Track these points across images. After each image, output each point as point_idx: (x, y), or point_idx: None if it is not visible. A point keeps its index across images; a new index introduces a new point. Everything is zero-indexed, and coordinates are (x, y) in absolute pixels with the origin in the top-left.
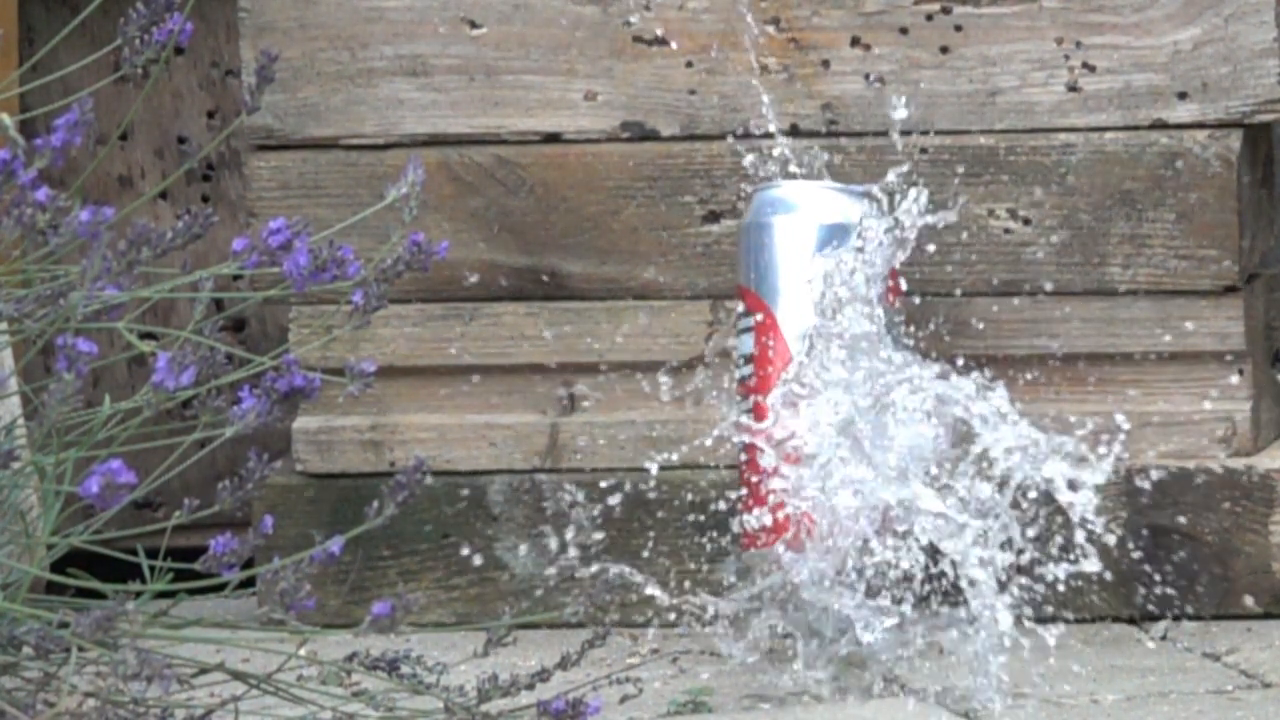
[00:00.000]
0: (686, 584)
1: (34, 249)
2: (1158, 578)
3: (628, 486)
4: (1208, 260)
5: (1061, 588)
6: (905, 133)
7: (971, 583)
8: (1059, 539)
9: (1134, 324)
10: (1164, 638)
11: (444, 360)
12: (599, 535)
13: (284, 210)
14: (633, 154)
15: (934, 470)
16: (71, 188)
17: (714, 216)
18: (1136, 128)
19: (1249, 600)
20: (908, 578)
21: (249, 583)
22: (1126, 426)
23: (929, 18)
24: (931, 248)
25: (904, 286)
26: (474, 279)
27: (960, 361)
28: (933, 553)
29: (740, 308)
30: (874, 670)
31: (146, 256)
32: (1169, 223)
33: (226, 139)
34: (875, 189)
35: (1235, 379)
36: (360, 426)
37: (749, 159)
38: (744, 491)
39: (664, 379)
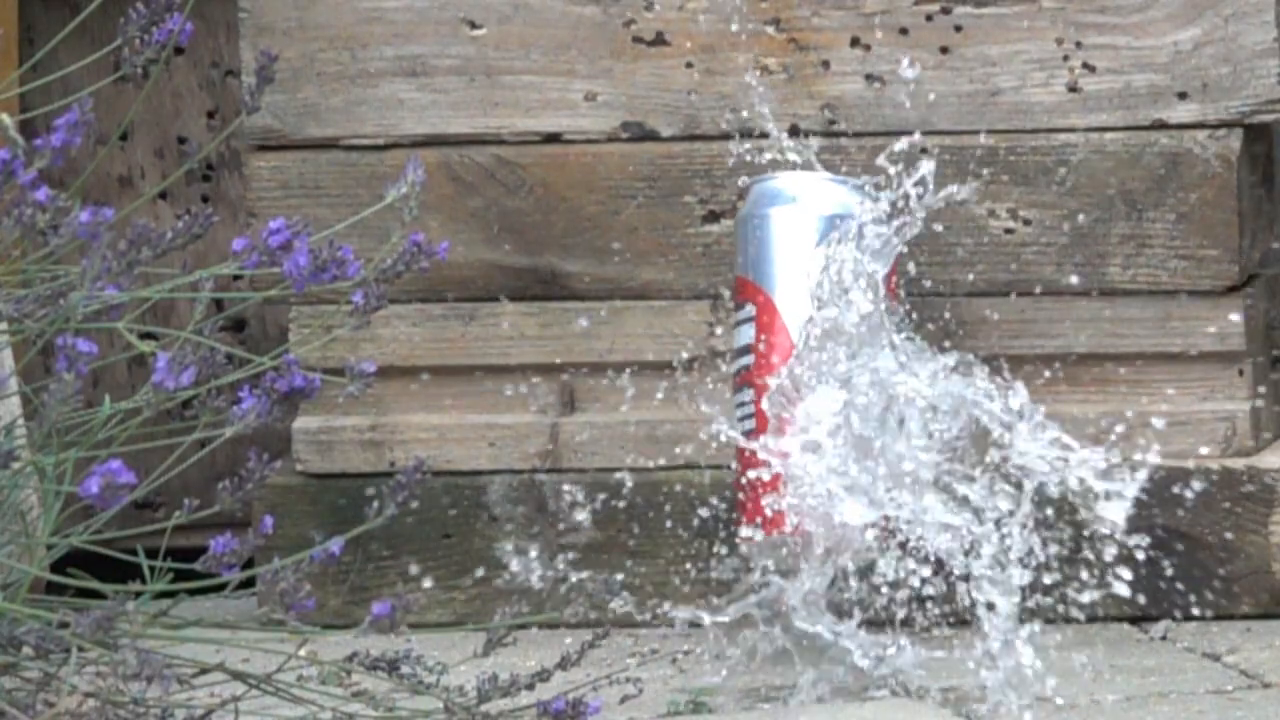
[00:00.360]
0: (685, 584)
1: (34, 249)
2: (1158, 578)
3: (628, 487)
4: (1208, 260)
5: (1062, 587)
6: (907, 133)
7: (989, 605)
8: (1083, 556)
9: (1134, 324)
10: (1164, 638)
11: (444, 360)
12: (599, 535)
13: (284, 210)
14: (633, 154)
15: (946, 469)
16: (71, 188)
17: (714, 216)
18: (1137, 128)
19: (1249, 600)
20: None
21: (249, 583)
22: (1159, 426)
23: (929, 18)
24: (933, 233)
25: (901, 292)
26: (474, 279)
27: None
28: (939, 568)
29: (738, 298)
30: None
31: (146, 256)
32: (1169, 223)
33: (226, 139)
34: (871, 182)
35: (1235, 379)
36: (360, 426)
37: (748, 151)
38: (743, 481)
39: (664, 379)
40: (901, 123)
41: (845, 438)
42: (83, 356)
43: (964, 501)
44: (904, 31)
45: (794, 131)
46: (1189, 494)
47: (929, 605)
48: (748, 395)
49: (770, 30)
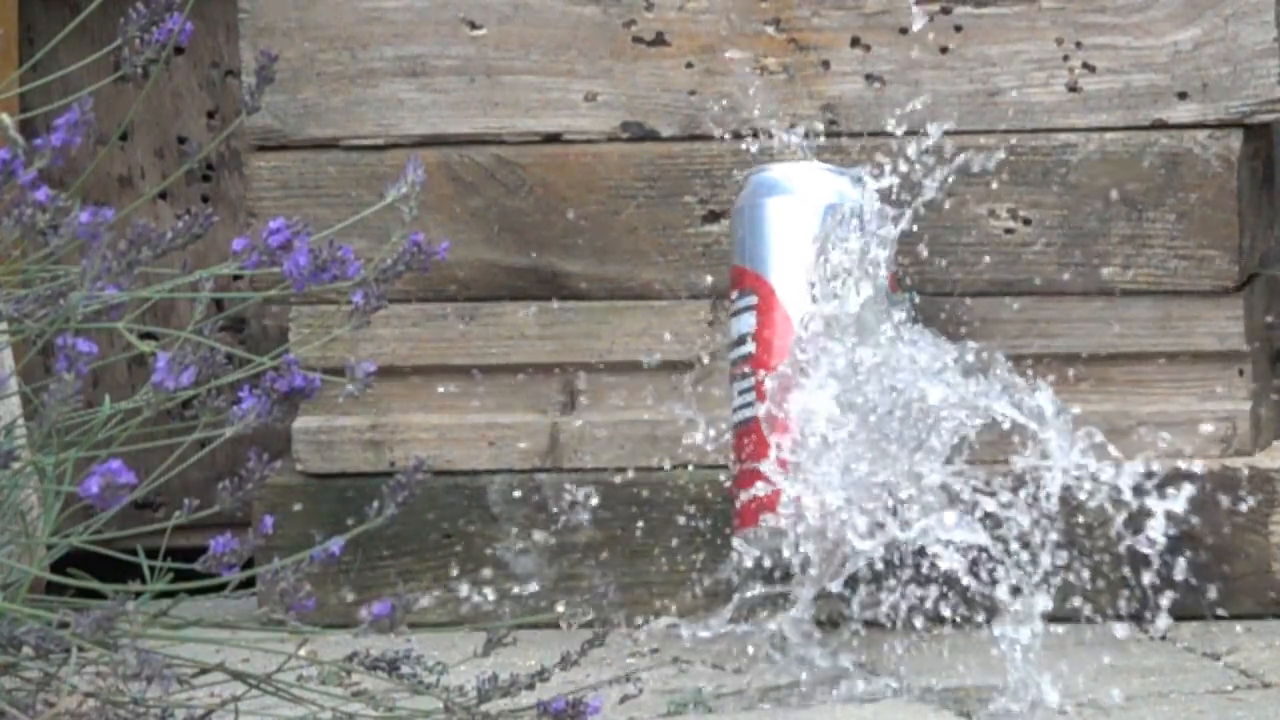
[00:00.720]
0: (685, 583)
1: (34, 249)
2: (1158, 578)
3: (627, 487)
4: (1208, 260)
5: (1061, 588)
6: (910, 133)
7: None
8: (1083, 555)
9: (1134, 324)
10: (1164, 638)
11: (444, 360)
12: (599, 535)
13: (284, 210)
14: (633, 154)
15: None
16: (71, 188)
17: (714, 216)
18: (1137, 128)
19: (1249, 600)
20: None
21: (249, 583)
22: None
23: (929, 18)
24: (934, 233)
25: (908, 280)
26: (474, 279)
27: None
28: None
29: (738, 287)
30: (876, 671)
31: (146, 256)
32: (1169, 223)
33: (226, 139)
34: (870, 172)
35: (1235, 379)
36: (360, 426)
37: (748, 151)
38: (743, 471)
39: (664, 379)
40: (901, 123)
41: (850, 433)
42: (83, 356)
43: (984, 517)
44: (904, 31)
45: (801, 135)
46: (1189, 494)
47: (929, 605)
48: (748, 383)
49: (770, 30)
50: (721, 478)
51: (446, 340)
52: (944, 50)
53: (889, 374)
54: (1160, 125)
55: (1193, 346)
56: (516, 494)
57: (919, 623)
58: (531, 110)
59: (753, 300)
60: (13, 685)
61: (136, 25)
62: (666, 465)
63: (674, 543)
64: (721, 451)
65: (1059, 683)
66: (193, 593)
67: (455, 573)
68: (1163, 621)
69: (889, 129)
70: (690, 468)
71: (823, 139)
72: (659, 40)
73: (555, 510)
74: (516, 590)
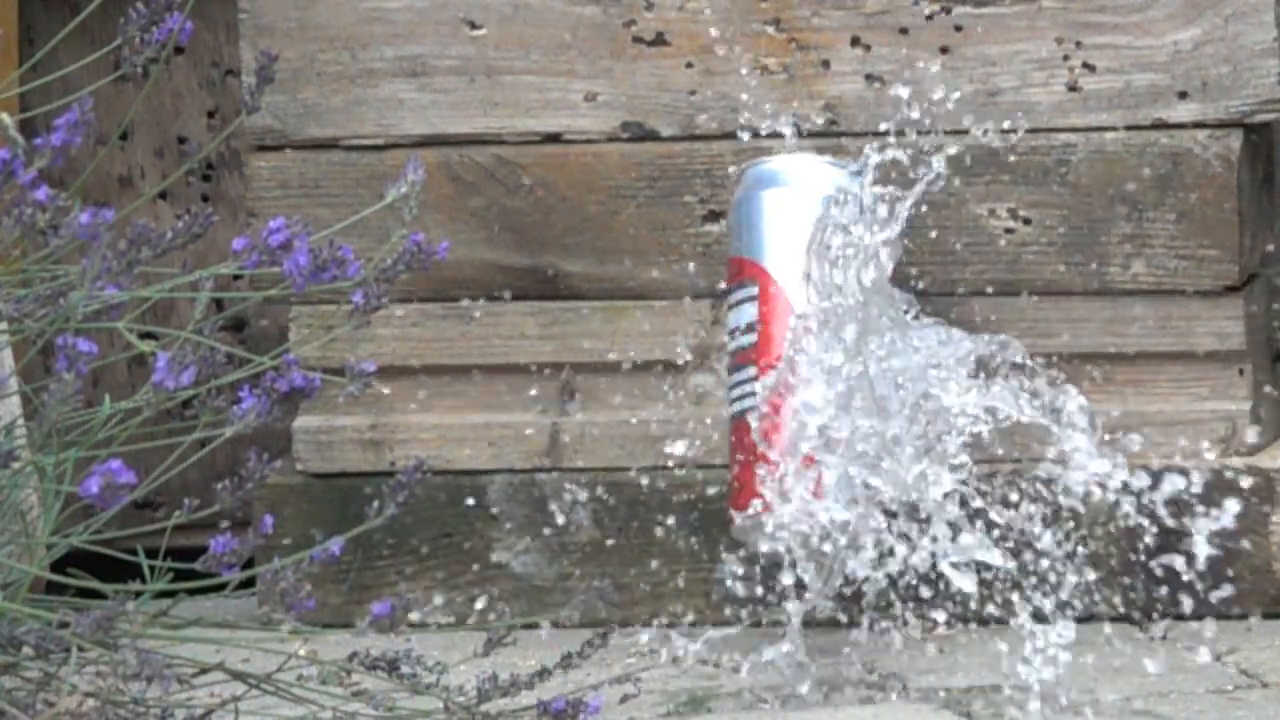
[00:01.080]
0: (685, 584)
1: (34, 249)
2: (1158, 577)
3: (627, 486)
4: (1208, 260)
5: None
6: (899, 132)
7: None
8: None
9: (1134, 324)
10: (1164, 638)
11: (444, 360)
12: (599, 535)
13: (284, 210)
14: (633, 154)
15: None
16: (71, 188)
17: (714, 216)
18: (1137, 127)
19: (1249, 600)
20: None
21: (249, 583)
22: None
23: (929, 18)
24: (933, 233)
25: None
26: (474, 279)
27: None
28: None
29: (739, 278)
30: (875, 671)
31: (146, 256)
32: (1169, 223)
33: (226, 139)
34: (868, 164)
35: (1235, 379)
36: (360, 426)
37: (748, 151)
38: (740, 462)
39: (664, 379)
40: (901, 123)
41: (853, 427)
42: (83, 356)
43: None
44: (904, 31)
45: (794, 132)
46: (1189, 494)
47: (929, 605)
48: (749, 373)
49: (770, 30)
50: (717, 478)
51: (446, 340)
52: (944, 50)
53: (896, 368)
54: (1160, 125)
55: (1193, 346)
56: (516, 494)
57: (919, 623)
58: (531, 110)
59: (753, 291)
60: (13, 685)
61: (136, 25)
62: (666, 465)
63: (674, 542)
64: (721, 451)
65: (1059, 683)
66: (193, 593)
67: (455, 572)
68: (1162, 621)
69: (889, 129)
70: (690, 468)
71: (812, 137)
72: (659, 40)
73: (555, 510)
74: (516, 590)
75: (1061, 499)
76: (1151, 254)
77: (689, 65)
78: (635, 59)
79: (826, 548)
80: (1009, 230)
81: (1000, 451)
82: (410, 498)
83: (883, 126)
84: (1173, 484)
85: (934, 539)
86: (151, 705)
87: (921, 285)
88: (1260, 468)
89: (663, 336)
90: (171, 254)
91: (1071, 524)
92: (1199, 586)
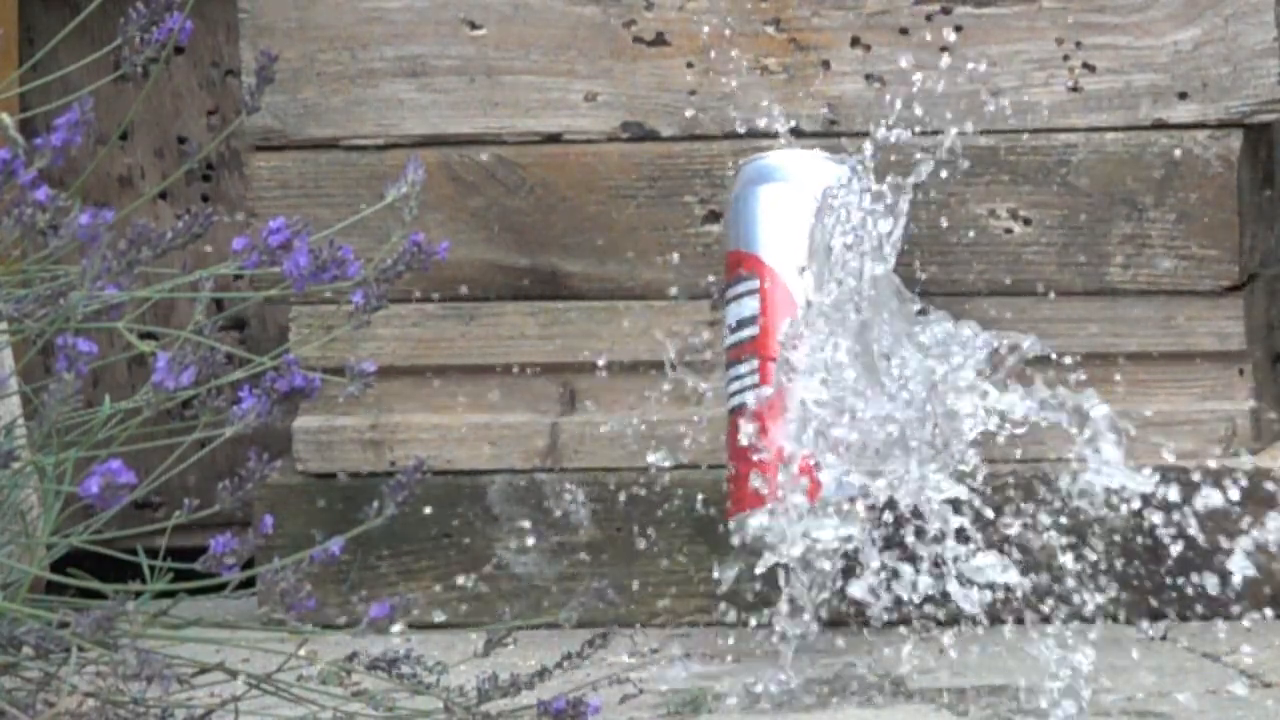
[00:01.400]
0: (685, 584)
1: (34, 249)
2: (1157, 577)
3: (628, 486)
4: (1208, 260)
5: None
6: (898, 131)
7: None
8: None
9: (1134, 324)
10: (1164, 638)
11: (444, 360)
12: (599, 535)
13: (284, 210)
14: (633, 154)
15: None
16: (71, 188)
17: (714, 216)
18: (1137, 128)
19: (1249, 600)
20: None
21: (249, 583)
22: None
23: (929, 18)
24: (933, 233)
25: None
26: (474, 279)
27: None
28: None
29: (739, 271)
30: (876, 671)
31: (146, 256)
32: (1169, 223)
33: (226, 139)
34: (865, 158)
35: (1235, 379)
36: (360, 426)
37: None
38: (739, 456)
39: (664, 379)
40: (901, 122)
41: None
42: (83, 356)
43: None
44: (904, 31)
45: (794, 132)
46: (1189, 494)
47: (929, 605)
48: (750, 365)
49: (770, 30)
50: (717, 478)
51: (446, 340)
52: (944, 50)
53: (903, 364)
54: (1160, 125)
55: (1193, 346)
56: (516, 494)
57: (919, 623)
58: (531, 110)
59: (754, 285)
60: (13, 685)
61: (136, 25)
62: (667, 465)
63: (674, 542)
64: (721, 451)
65: (1059, 683)
66: (193, 593)
67: (455, 572)
68: (1162, 621)
69: (889, 129)
70: (690, 468)
71: (813, 137)
72: (659, 40)
73: (555, 510)
74: (516, 590)
75: (1078, 505)
76: (1152, 254)
77: (689, 65)
78: (635, 59)
79: (824, 563)
80: (1009, 230)
81: (1015, 453)
82: (410, 498)
83: (882, 126)
84: (1173, 484)
85: (940, 559)
86: (151, 705)
87: (921, 286)
88: (1260, 468)
89: (663, 337)
90: (171, 254)
91: (1071, 524)
92: (1199, 586)
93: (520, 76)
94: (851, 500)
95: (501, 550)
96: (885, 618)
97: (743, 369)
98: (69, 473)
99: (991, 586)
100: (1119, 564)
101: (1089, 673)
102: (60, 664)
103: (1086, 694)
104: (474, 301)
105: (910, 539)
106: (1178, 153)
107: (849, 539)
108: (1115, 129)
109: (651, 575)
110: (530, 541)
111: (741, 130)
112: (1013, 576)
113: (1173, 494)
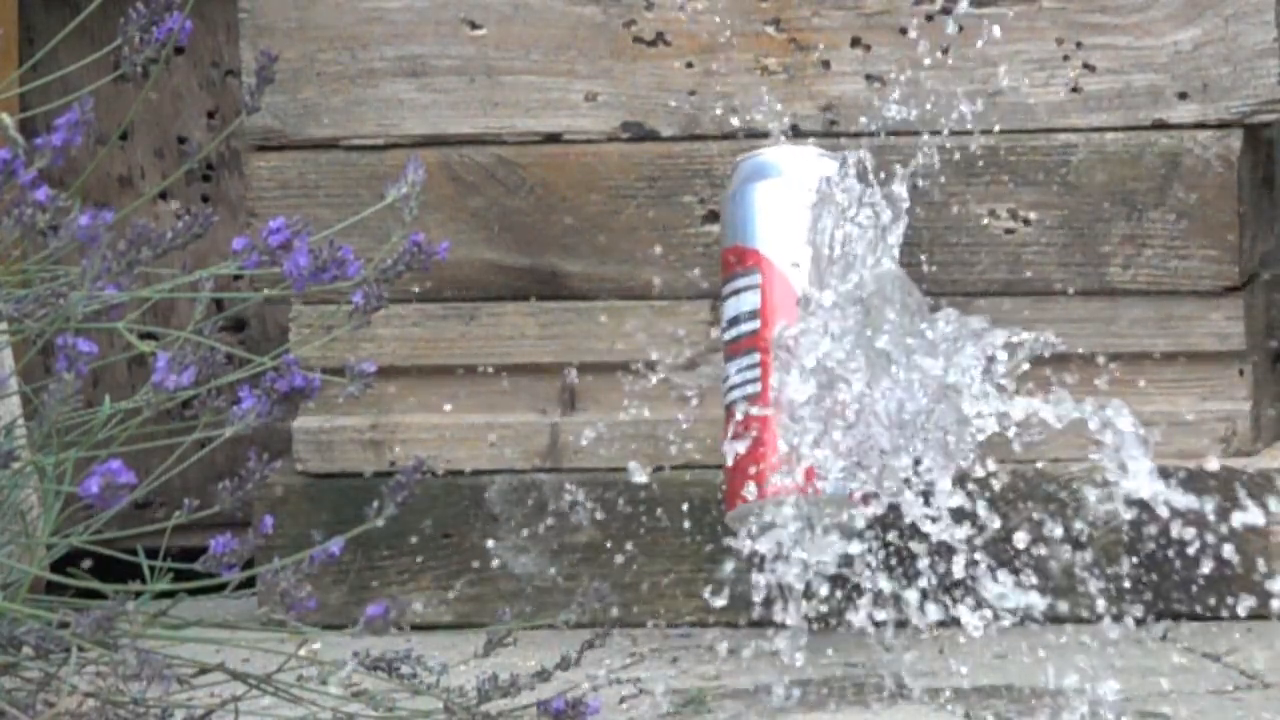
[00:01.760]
0: (686, 584)
1: (34, 249)
2: (1157, 578)
3: (628, 486)
4: (1208, 260)
5: (1060, 588)
6: (898, 132)
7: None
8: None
9: (1134, 324)
10: (1164, 638)
11: (444, 360)
12: (599, 535)
13: (284, 210)
14: (633, 154)
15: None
16: (71, 188)
17: (714, 216)
18: (1137, 128)
19: (1249, 600)
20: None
21: (249, 583)
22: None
23: (929, 18)
24: (933, 233)
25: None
26: (474, 279)
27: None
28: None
29: (740, 266)
30: (876, 672)
31: (146, 256)
32: (1169, 223)
33: (226, 139)
34: (863, 155)
35: (1235, 379)
36: (360, 426)
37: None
38: (738, 451)
39: (664, 379)
40: (901, 122)
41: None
42: (83, 356)
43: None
44: (904, 31)
45: (794, 131)
46: (1189, 494)
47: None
48: (751, 360)
49: (770, 30)
50: (717, 478)
51: (446, 340)
52: (944, 50)
53: (904, 357)
54: (1160, 125)
55: (1193, 346)
56: (516, 494)
57: (919, 623)
58: (531, 110)
59: (755, 279)
60: (13, 685)
61: (136, 25)
62: (666, 465)
63: (674, 543)
64: (721, 451)
65: (1059, 683)
66: (193, 593)
67: (455, 573)
68: (1162, 622)
69: (889, 129)
70: (691, 468)
71: (813, 137)
72: (659, 40)
73: (555, 510)
74: (516, 590)
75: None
76: (1151, 254)
77: (689, 65)
78: (635, 59)
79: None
80: (1009, 230)
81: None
82: (410, 498)
83: (882, 125)
84: (1173, 484)
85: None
86: (151, 705)
87: (921, 286)
88: (1260, 468)
89: (663, 337)
90: (171, 254)
91: (1066, 522)
92: (1199, 587)
93: (520, 76)
94: (850, 497)
95: (501, 550)
96: (885, 619)
97: (742, 363)
98: (69, 473)
99: (1004, 611)
100: (1117, 563)
101: (1090, 673)
102: (60, 664)
103: (1087, 694)
104: (474, 301)
105: (912, 545)
106: (1178, 153)
107: (848, 559)
108: (1115, 129)
109: (651, 575)
110: (530, 542)
111: (741, 131)
112: (1033, 598)
113: (1174, 495)
